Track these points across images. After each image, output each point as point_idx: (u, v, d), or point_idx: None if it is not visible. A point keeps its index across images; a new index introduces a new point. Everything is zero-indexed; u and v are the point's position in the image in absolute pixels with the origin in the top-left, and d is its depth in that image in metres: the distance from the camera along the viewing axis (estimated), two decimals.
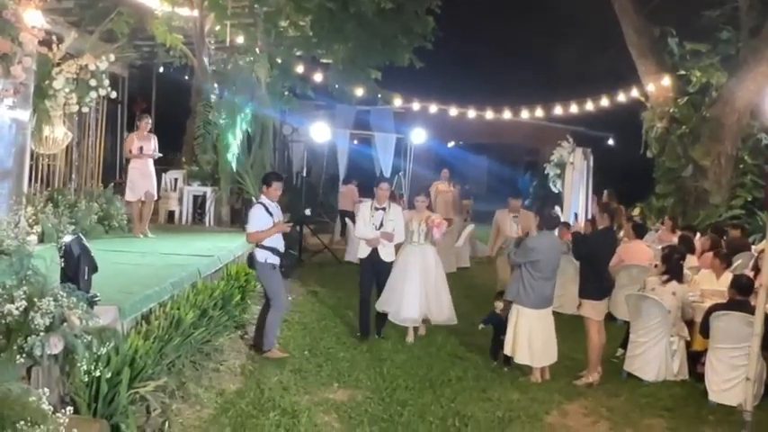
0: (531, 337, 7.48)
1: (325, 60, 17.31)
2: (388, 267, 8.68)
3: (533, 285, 7.47)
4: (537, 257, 7.46)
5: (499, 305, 8.19)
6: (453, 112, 19.60)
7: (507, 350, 7.64)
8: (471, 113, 19.61)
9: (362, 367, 7.44)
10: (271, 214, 7.73)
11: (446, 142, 27.66)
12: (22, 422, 3.91)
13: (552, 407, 6.75)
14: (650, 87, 16.83)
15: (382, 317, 8.79)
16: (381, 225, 8.61)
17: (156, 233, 11.58)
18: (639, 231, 10.57)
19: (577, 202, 16.27)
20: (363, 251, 8.73)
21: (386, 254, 8.67)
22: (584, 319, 7.73)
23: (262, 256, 7.71)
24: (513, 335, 7.57)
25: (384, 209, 8.69)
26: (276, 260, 7.75)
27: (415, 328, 8.84)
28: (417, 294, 8.60)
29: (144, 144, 11.30)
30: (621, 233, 11.36)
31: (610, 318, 9.50)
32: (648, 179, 17.05)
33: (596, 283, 7.74)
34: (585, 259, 7.84)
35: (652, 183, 16.92)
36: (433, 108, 19.43)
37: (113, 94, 11.44)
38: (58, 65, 9.88)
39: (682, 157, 16.24)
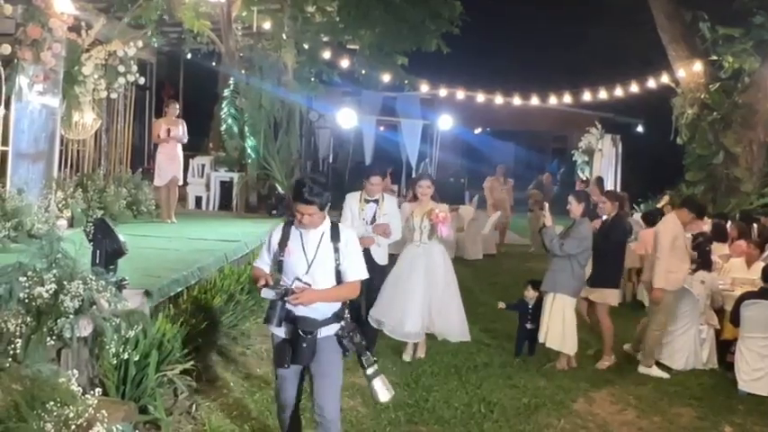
0: (565, 325, 7.40)
1: (351, 46, 17.31)
2: (382, 272, 7.14)
3: (579, 274, 7.38)
4: (588, 245, 7.41)
5: (530, 294, 7.82)
6: (480, 98, 19.51)
7: (541, 337, 7.46)
8: (498, 100, 19.50)
9: (388, 353, 7.43)
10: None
11: (473, 129, 27.53)
12: (52, 403, 3.97)
13: (579, 394, 6.71)
14: (681, 73, 16.59)
15: (372, 332, 7.08)
16: (374, 220, 7.15)
17: (184, 219, 11.68)
18: (650, 219, 10.46)
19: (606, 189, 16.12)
20: None
21: (380, 255, 7.19)
22: (595, 306, 7.71)
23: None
24: (548, 322, 7.45)
25: (377, 201, 7.17)
26: None
27: (415, 344, 7.39)
28: (420, 304, 7.13)
29: (172, 128, 11.38)
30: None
31: (640, 306, 9.45)
32: (678, 166, 16.83)
33: (613, 270, 7.78)
34: (602, 247, 7.82)
35: (682, 170, 16.71)
36: (460, 94, 19.36)
37: (141, 80, 11.57)
38: (87, 51, 9.98)
39: (713, 143, 16.01)
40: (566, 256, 7.23)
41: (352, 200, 7.27)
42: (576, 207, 7.31)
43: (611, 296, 7.70)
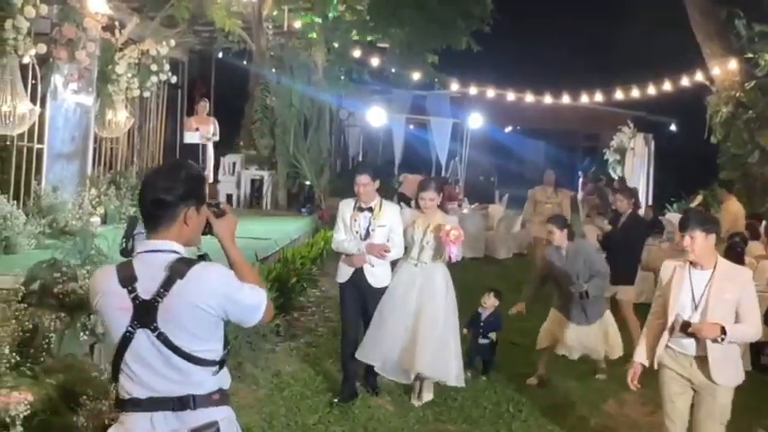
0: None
1: (381, 45, 17.33)
2: (379, 297, 5.87)
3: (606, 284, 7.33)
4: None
5: (489, 302, 7.04)
6: (511, 96, 19.40)
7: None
8: (529, 98, 19.38)
9: None
10: None
11: (503, 127, 27.41)
12: (85, 396, 4.04)
13: (609, 395, 6.65)
14: (716, 71, 16.38)
15: (372, 369, 6.06)
16: (368, 234, 5.82)
17: None
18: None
19: (638, 188, 15.96)
20: (344, 272, 5.95)
21: (376, 277, 5.87)
22: (620, 304, 7.64)
23: None
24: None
25: (371, 209, 5.83)
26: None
27: (421, 384, 6.05)
28: (413, 337, 5.77)
29: (201, 127, 11.47)
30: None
31: None
32: (712, 166, 16.61)
33: (632, 267, 7.85)
34: (621, 245, 7.82)
35: (716, 169, 16.51)
36: (491, 92, 19.26)
37: (173, 79, 11.68)
38: (121, 50, 10.10)
39: (748, 142, 15.79)
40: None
41: (345, 208, 5.99)
42: (559, 236, 6.58)
43: (630, 292, 7.74)
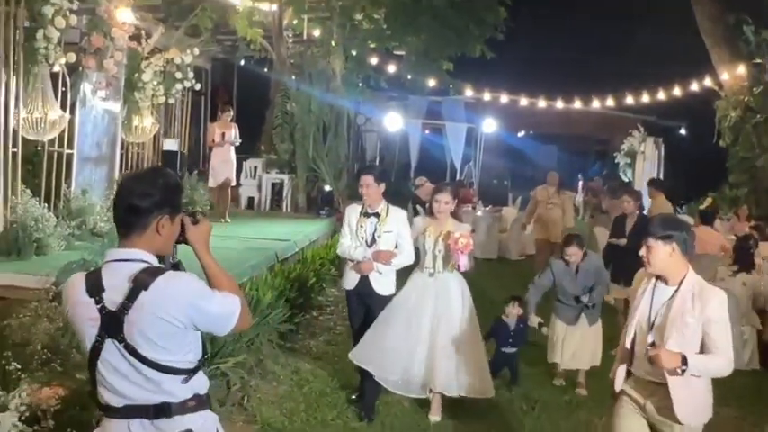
0: None
1: (398, 52, 17.30)
2: (385, 304, 5.52)
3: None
4: None
5: (513, 311, 6.71)
6: (523, 101, 19.38)
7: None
8: (541, 103, 19.36)
9: None
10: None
11: (516, 132, 27.30)
12: None
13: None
14: (724, 76, 16.28)
15: (372, 385, 5.51)
16: (374, 240, 5.49)
17: (237, 218, 11.82)
18: (706, 217, 10.25)
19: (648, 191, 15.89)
20: (350, 279, 5.63)
21: (382, 285, 5.54)
22: (617, 305, 7.64)
23: None
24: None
25: (377, 214, 5.50)
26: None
27: (443, 397, 5.55)
28: (427, 349, 5.36)
29: (226, 132, 11.55)
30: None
31: None
32: (721, 169, 16.53)
33: (633, 268, 7.70)
34: (631, 247, 7.78)
35: (725, 172, 16.41)
36: (504, 98, 19.25)
37: (197, 86, 11.77)
38: (147, 59, 10.18)
39: (756, 146, 15.70)
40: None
41: (352, 213, 5.66)
42: (578, 255, 6.35)
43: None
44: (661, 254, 3.45)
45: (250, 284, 6.92)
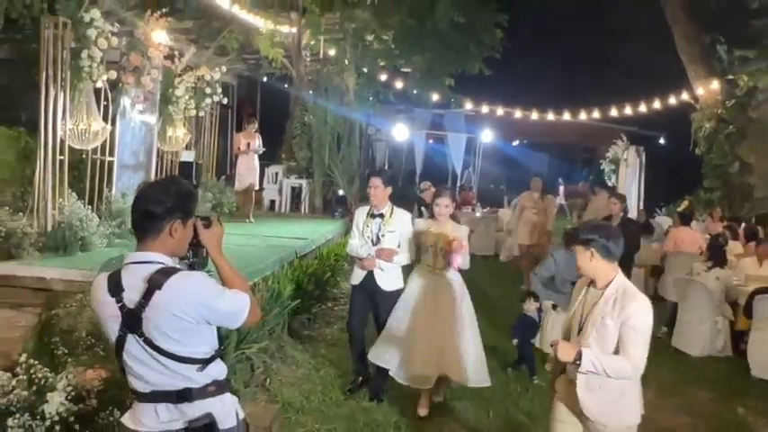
0: None
1: (404, 69, 17.29)
2: (389, 300, 5.36)
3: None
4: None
5: (532, 307, 6.65)
6: (518, 114, 19.32)
7: None
8: (534, 115, 19.29)
9: None
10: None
11: (511, 141, 27.23)
12: None
13: None
14: (700, 91, 16.24)
15: (382, 372, 5.42)
16: (378, 239, 5.39)
17: (260, 219, 11.85)
18: (684, 218, 10.22)
19: (631, 194, 15.80)
20: (356, 275, 5.52)
21: (386, 280, 5.40)
22: None
23: None
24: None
25: (382, 215, 5.40)
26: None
27: (429, 393, 5.36)
28: (428, 343, 5.14)
29: (250, 141, 11.58)
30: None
31: (659, 299, 9.24)
32: (696, 175, 16.49)
33: (629, 265, 7.73)
34: (630, 245, 7.76)
35: (700, 178, 16.37)
36: (500, 111, 19.20)
37: (225, 101, 11.80)
38: (180, 75, 10.21)
39: (728, 154, 15.67)
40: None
41: (360, 214, 5.57)
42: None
43: None
44: (583, 258, 3.28)
45: (272, 278, 6.92)
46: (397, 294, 5.37)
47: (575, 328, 3.36)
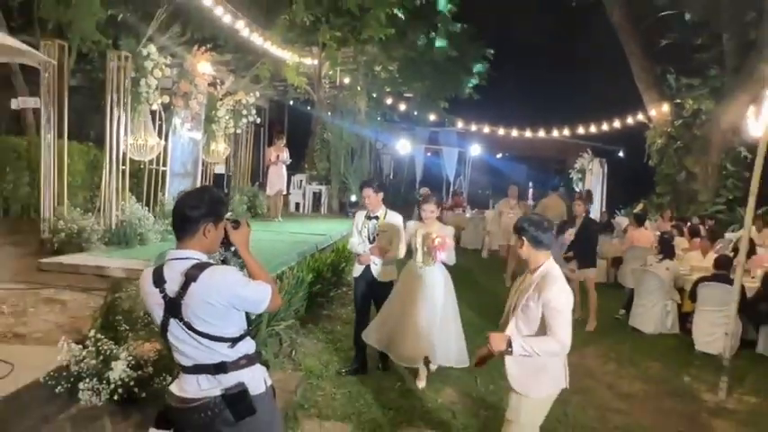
0: None
1: (407, 94, 17.34)
2: (383, 289, 5.28)
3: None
4: None
5: None
6: (501, 131, 19.26)
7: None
8: (514, 132, 19.23)
9: None
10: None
11: (495, 154, 27.10)
12: None
13: (573, 351, 6.50)
14: (653, 112, 16.19)
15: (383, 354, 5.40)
16: (373, 238, 5.27)
17: (287, 218, 11.87)
18: (639, 220, 10.17)
19: (595, 199, 15.77)
20: (357, 269, 5.42)
21: (380, 273, 5.27)
22: (586, 283, 7.57)
23: None
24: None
25: (377, 217, 5.26)
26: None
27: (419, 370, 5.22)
28: (417, 326, 5.02)
29: (279, 154, 11.60)
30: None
31: (619, 286, 9.22)
32: (650, 182, 16.44)
33: (592, 256, 7.78)
34: (592, 239, 7.74)
35: (652, 185, 16.32)
36: (486, 129, 19.14)
37: (258, 120, 11.81)
38: (221, 100, 10.24)
39: (676, 165, 15.65)
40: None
41: (359, 217, 5.45)
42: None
43: (593, 273, 7.68)
44: (519, 245, 3.17)
45: (297, 267, 6.92)
46: (390, 285, 5.27)
47: (510, 310, 3.24)
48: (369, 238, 5.29)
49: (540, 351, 3.01)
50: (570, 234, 7.63)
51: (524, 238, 3.14)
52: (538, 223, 3.16)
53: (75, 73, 10.22)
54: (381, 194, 5.27)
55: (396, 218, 5.30)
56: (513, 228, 3.24)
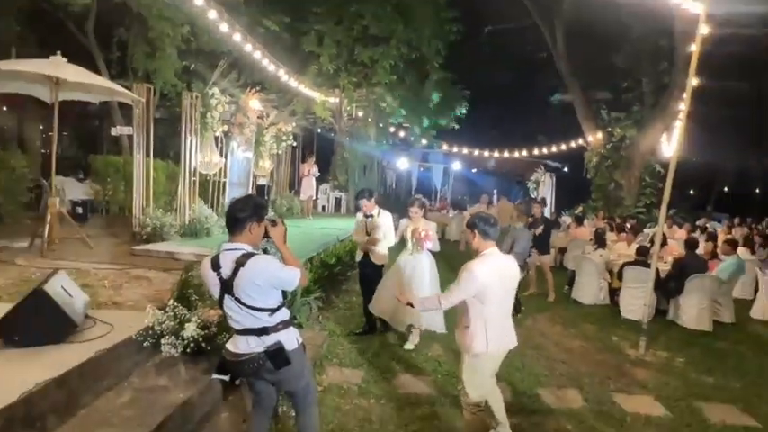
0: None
1: (406, 124, 17.29)
2: (379, 271, 5.23)
3: None
4: None
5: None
6: (476, 152, 19.19)
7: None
8: (486, 153, 19.16)
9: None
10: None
11: (471, 169, 26.98)
12: None
13: (528, 316, 6.55)
14: (590, 138, 16.11)
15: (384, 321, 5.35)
16: (369, 232, 5.21)
17: (315, 217, 11.86)
18: (579, 220, 10.15)
19: (547, 203, 15.71)
20: (358, 255, 5.37)
21: (376, 258, 5.22)
22: (542, 266, 7.55)
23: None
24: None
25: (372, 216, 5.19)
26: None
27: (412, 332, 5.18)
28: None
29: (310, 169, 11.60)
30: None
31: (564, 269, 9.17)
32: (587, 191, 16.38)
33: (548, 246, 7.72)
34: (547, 233, 7.70)
35: (589, 193, 16.26)
36: (465, 150, 19.07)
37: (294, 144, 11.79)
38: (267, 128, 10.24)
39: (608, 178, 15.56)
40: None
41: (359, 216, 5.36)
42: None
43: (548, 259, 7.64)
44: (470, 236, 3.11)
45: (323, 253, 6.95)
46: (382, 267, 5.21)
47: None
48: (366, 232, 5.22)
49: (428, 303, 3.24)
50: (540, 229, 7.60)
51: (475, 231, 3.07)
52: (485, 220, 3.09)
53: (158, 108, 10.26)
54: (373, 200, 5.19)
55: (386, 216, 5.20)
56: (466, 224, 3.14)
